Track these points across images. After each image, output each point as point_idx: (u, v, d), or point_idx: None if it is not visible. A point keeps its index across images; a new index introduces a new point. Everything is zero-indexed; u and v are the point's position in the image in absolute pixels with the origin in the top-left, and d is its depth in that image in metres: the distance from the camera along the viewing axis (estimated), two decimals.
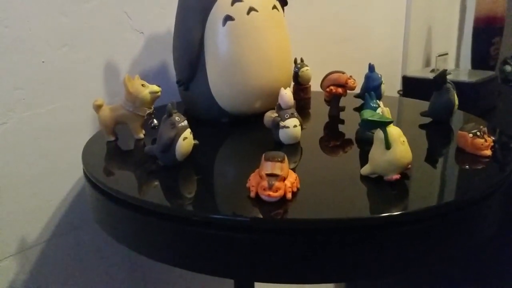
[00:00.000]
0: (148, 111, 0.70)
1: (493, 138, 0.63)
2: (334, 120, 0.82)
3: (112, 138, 0.71)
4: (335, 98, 0.81)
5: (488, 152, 0.59)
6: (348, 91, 0.81)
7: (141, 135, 0.71)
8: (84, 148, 0.69)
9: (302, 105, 0.94)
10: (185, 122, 0.58)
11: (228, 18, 0.72)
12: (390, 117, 0.67)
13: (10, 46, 0.73)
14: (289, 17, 1.22)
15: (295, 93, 0.97)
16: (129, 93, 0.68)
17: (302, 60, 0.98)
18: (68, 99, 0.81)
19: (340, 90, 0.79)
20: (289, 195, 0.48)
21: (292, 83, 0.97)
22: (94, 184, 0.58)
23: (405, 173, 0.54)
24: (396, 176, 0.51)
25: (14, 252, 0.78)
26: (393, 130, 0.51)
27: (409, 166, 0.53)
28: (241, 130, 0.77)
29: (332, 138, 0.72)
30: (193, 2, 0.74)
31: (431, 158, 0.61)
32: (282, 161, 0.49)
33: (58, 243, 0.84)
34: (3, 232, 0.77)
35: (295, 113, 0.66)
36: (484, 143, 0.59)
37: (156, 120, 0.73)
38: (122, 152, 0.68)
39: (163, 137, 0.57)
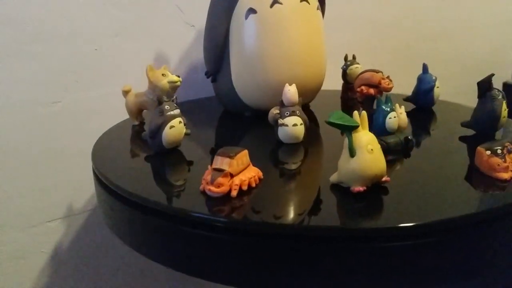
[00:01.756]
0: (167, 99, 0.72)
1: None
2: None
3: (136, 123, 0.76)
4: (368, 99, 0.74)
5: (506, 175, 0.49)
6: (385, 92, 0.74)
7: None
8: (97, 141, 0.70)
9: (350, 105, 0.89)
10: (176, 111, 0.60)
11: (251, 11, 0.71)
12: (405, 125, 0.60)
13: (67, 34, 0.82)
14: (362, 10, 1.15)
15: (343, 91, 0.92)
16: (150, 81, 0.72)
17: (354, 57, 0.92)
18: (117, 86, 0.88)
19: (372, 90, 0.72)
20: (233, 193, 0.46)
21: (342, 82, 0.92)
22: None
23: (384, 187, 0.48)
24: (359, 188, 0.45)
25: (62, 215, 0.89)
26: (361, 137, 0.45)
27: (385, 179, 0.47)
28: (262, 125, 0.75)
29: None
30: None
31: (432, 174, 0.53)
32: (232, 157, 0.47)
33: (101, 214, 0.92)
34: (55, 196, 0.87)
35: (298, 112, 0.63)
36: (501, 164, 0.49)
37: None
38: (133, 142, 0.71)
39: (152, 123, 0.59)
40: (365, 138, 0.45)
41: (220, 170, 0.46)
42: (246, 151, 0.50)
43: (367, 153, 0.45)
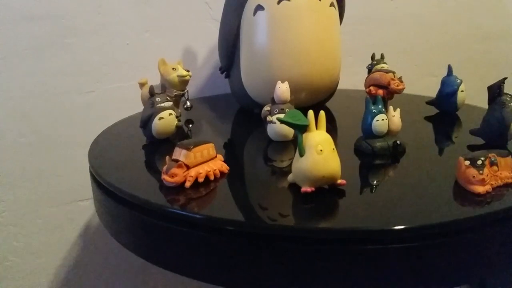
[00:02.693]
0: (176, 92, 0.75)
1: None
2: None
3: None
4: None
5: (480, 189, 0.44)
6: (395, 94, 0.70)
7: None
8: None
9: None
10: (167, 104, 0.62)
11: (259, 7, 0.71)
12: (398, 129, 0.57)
13: (100, 28, 0.89)
14: (407, 6, 1.08)
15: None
16: (160, 75, 0.75)
17: (382, 57, 0.88)
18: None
19: (380, 91, 0.69)
20: (187, 184, 0.47)
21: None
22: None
23: (342, 189, 0.46)
24: (306, 189, 0.44)
25: (91, 197, 0.96)
26: (313, 137, 0.44)
27: (341, 181, 0.45)
28: None
29: (340, 145, 0.64)
30: None
31: (407, 182, 0.49)
32: (189, 150, 0.48)
33: None
34: (87, 178, 0.95)
35: (288, 110, 0.62)
36: (477, 176, 0.44)
37: (189, 102, 0.79)
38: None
39: (143, 114, 0.62)
40: (316, 138, 0.44)
41: (177, 161, 0.48)
42: (210, 145, 0.51)
43: (316, 154, 0.43)
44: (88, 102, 0.91)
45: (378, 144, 0.56)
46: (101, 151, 0.63)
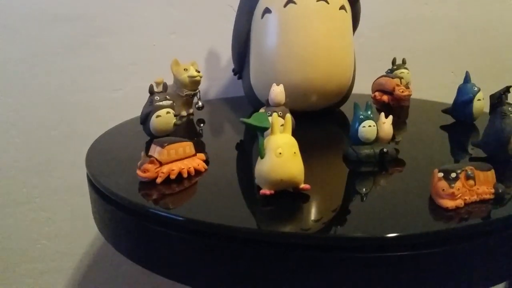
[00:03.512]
0: (186, 92, 0.78)
1: (496, 191, 0.43)
2: None
3: None
4: (383, 106, 0.68)
5: (449, 203, 0.42)
6: (402, 100, 0.67)
7: (183, 113, 0.80)
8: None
9: (395, 114, 0.82)
10: (165, 102, 0.65)
11: (266, 10, 0.72)
12: (388, 136, 0.55)
13: (128, 30, 0.94)
14: (444, 10, 1.02)
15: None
16: (173, 75, 0.78)
17: (404, 62, 0.84)
18: (171, 79, 0.97)
19: (385, 97, 0.67)
20: (158, 180, 0.49)
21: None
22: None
23: (306, 194, 0.45)
24: (265, 191, 0.44)
25: None
26: (274, 140, 0.44)
27: (304, 186, 0.45)
28: None
29: (336, 150, 0.63)
30: None
31: (381, 192, 0.48)
32: (163, 147, 0.50)
33: None
34: None
35: (281, 112, 0.61)
36: (446, 190, 0.42)
37: (201, 102, 0.81)
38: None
39: (142, 111, 0.65)
40: (277, 141, 0.44)
41: (150, 157, 0.50)
42: (187, 143, 0.52)
43: (275, 157, 0.43)
44: (116, 99, 0.96)
45: (364, 151, 0.54)
46: (101, 150, 0.66)
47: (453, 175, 0.43)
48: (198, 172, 0.52)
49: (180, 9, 0.95)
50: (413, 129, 0.71)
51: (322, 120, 0.76)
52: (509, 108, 0.52)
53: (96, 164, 0.58)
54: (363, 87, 0.84)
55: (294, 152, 0.44)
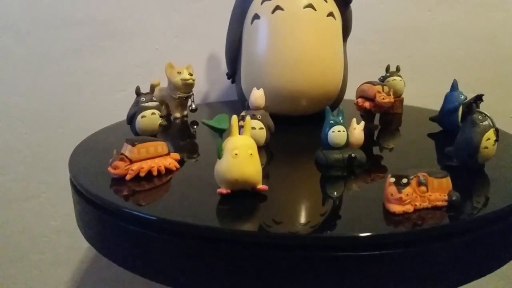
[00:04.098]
0: (179, 94, 0.80)
1: (450, 198, 0.43)
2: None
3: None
4: (366, 113, 0.69)
5: (396, 208, 0.42)
6: (383, 107, 0.67)
7: (177, 115, 0.83)
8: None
9: (386, 121, 0.82)
10: (151, 104, 0.67)
11: (255, 16, 0.74)
12: (358, 142, 0.55)
13: (132, 33, 0.97)
14: (453, 20, 1.00)
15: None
16: (167, 77, 0.81)
17: (398, 69, 0.84)
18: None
19: (367, 104, 0.67)
20: (127, 176, 0.51)
21: None
22: None
23: (264, 195, 0.47)
24: (221, 190, 0.45)
25: None
26: (231, 141, 0.45)
27: (261, 187, 0.46)
28: None
29: (307, 156, 0.64)
30: (238, 1, 0.78)
31: (332, 193, 0.48)
32: (134, 145, 0.52)
33: None
34: None
35: (260, 116, 0.63)
36: (395, 194, 0.42)
37: (195, 104, 0.83)
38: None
39: (129, 112, 0.68)
40: (234, 142, 0.45)
41: (122, 155, 0.52)
42: (160, 143, 0.54)
43: (231, 157, 0.45)
44: (119, 100, 1.00)
45: (333, 155, 0.55)
46: (86, 150, 0.69)
47: (404, 180, 0.43)
48: (170, 171, 0.54)
49: (182, 14, 0.98)
50: (400, 136, 0.71)
51: (309, 125, 0.77)
52: (479, 117, 0.51)
53: (78, 163, 0.61)
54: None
55: (251, 154, 0.45)
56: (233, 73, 0.82)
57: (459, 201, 0.43)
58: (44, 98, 0.97)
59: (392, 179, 0.43)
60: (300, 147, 0.67)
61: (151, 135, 0.69)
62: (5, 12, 0.91)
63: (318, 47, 0.72)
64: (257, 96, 0.64)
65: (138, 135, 0.68)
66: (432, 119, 0.72)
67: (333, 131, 0.55)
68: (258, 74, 0.74)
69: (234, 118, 0.46)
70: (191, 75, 0.80)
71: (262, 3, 0.73)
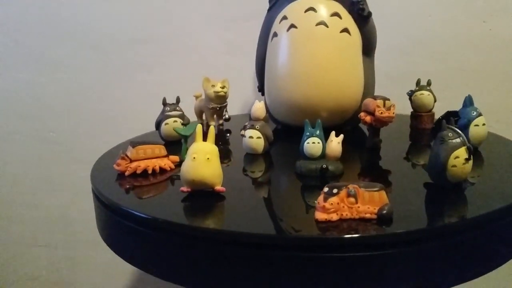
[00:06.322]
0: (212, 105, 0.89)
1: (379, 212, 0.44)
2: (369, 153, 0.70)
3: (200, 122, 0.95)
4: (371, 127, 0.69)
5: (319, 216, 0.44)
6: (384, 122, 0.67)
7: (212, 123, 0.92)
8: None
9: (414, 135, 0.81)
10: (174, 113, 0.77)
11: (274, 34, 0.79)
12: (335, 153, 0.58)
13: (192, 49, 1.09)
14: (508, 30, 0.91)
15: (411, 119, 0.83)
16: (203, 89, 0.90)
17: (428, 83, 0.82)
18: None
19: (368, 118, 0.68)
20: (126, 173, 0.61)
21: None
22: None
23: (222, 195, 0.52)
24: (183, 189, 0.52)
25: None
26: (193, 146, 0.52)
27: (218, 188, 0.52)
28: (286, 139, 0.80)
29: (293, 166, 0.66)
30: (265, 19, 0.85)
31: (289, 198, 0.52)
32: (134, 147, 0.62)
33: None
34: None
35: (259, 126, 0.68)
36: (320, 202, 0.45)
37: (228, 114, 0.91)
38: None
39: (156, 119, 0.78)
40: (194, 147, 0.52)
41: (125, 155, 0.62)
42: (158, 146, 0.63)
43: (190, 160, 0.51)
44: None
45: (307, 165, 0.58)
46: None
47: (335, 190, 0.45)
48: (165, 170, 0.63)
49: (234, 32, 1.07)
50: (426, 152, 0.69)
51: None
52: (449, 134, 0.50)
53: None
54: (399, 107, 0.84)
55: (208, 158, 0.51)
56: (262, 86, 0.89)
57: (390, 215, 0.44)
58: (111, 107, 1.14)
59: (326, 189, 0.46)
60: (294, 157, 0.70)
61: (176, 140, 0.78)
62: (93, 31, 1.11)
63: (330, 62, 0.75)
64: (257, 108, 0.69)
65: (165, 140, 0.78)
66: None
67: (308, 143, 0.58)
68: (276, 88, 0.79)
69: (199, 126, 0.53)
70: (223, 87, 0.88)
71: (280, 22, 0.78)
